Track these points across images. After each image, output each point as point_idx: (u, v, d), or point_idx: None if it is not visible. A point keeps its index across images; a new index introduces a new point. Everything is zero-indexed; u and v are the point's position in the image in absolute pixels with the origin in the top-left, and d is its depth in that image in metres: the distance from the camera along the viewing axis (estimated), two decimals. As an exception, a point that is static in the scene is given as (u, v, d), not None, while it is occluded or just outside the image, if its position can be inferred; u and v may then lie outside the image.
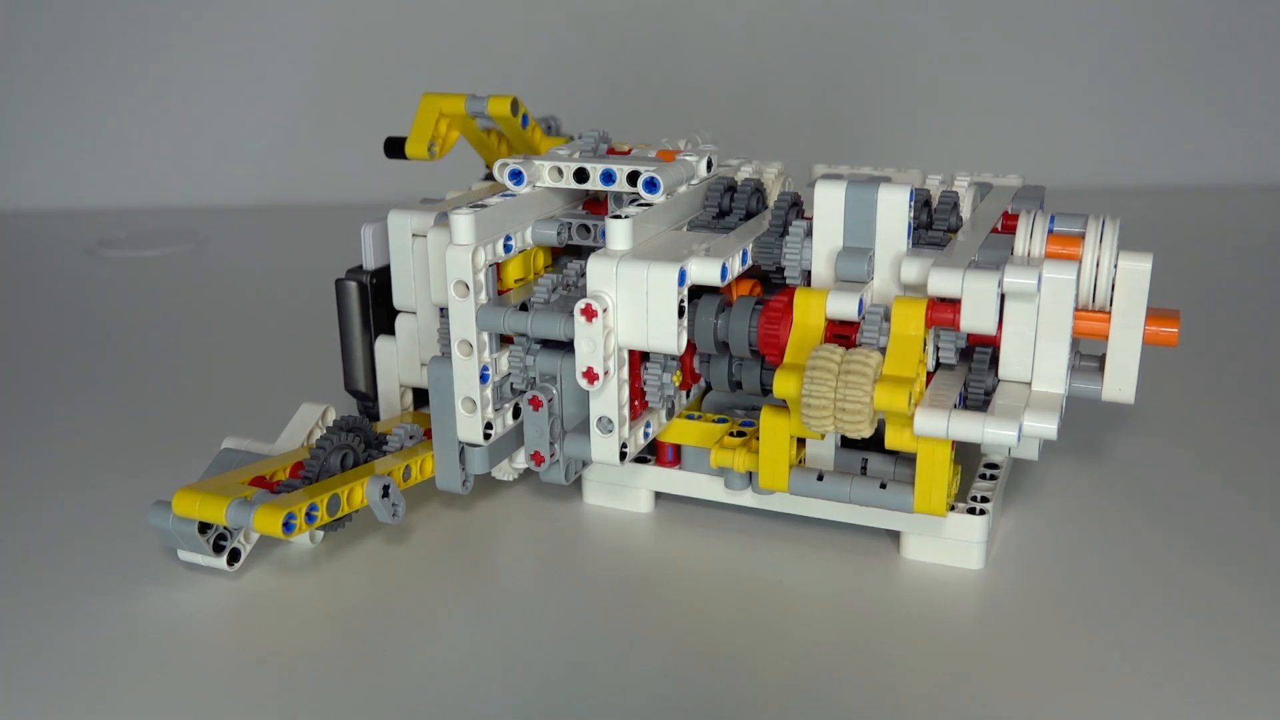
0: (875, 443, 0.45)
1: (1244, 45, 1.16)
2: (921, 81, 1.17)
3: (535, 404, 0.44)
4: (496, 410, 0.46)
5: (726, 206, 0.47)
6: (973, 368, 0.44)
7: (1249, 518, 0.50)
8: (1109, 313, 0.45)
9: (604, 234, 0.44)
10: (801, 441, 0.46)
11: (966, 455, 0.50)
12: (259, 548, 0.48)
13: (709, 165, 0.48)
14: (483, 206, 0.44)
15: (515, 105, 0.60)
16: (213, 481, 0.45)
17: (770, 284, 0.47)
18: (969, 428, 0.40)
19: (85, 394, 0.66)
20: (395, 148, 0.61)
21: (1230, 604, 0.43)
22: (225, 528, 0.45)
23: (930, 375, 0.44)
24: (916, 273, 0.42)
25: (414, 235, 0.51)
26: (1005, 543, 0.48)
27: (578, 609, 0.44)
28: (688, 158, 0.47)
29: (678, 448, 0.50)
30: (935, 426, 0.40)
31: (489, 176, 0.65)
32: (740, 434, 0.47)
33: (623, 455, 0.44)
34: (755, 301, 0.44)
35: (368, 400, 0.55)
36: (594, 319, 0.41)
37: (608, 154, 0.49)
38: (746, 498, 0.49)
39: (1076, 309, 0.44)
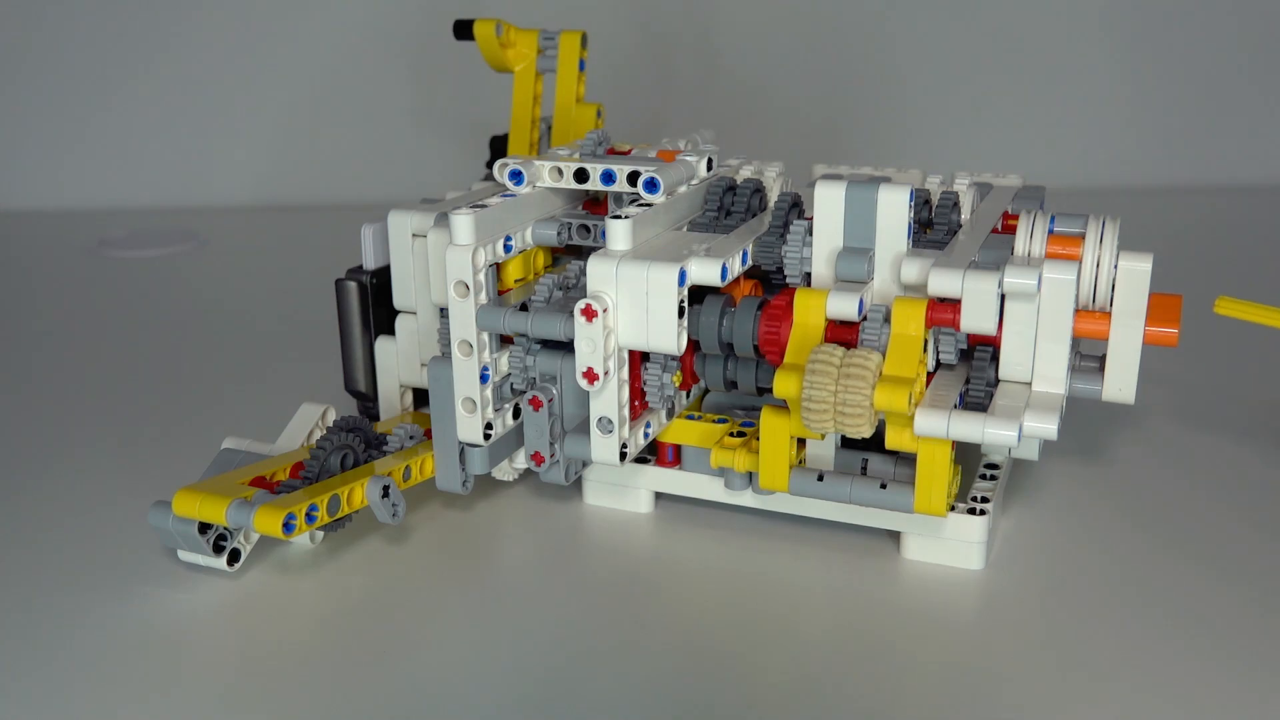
0: (875, 443, 0.45)
1: (1244, 45, 1.16)
2: (921, 81, 1.17)
3: (535, 404, 0.44)
4: (496, 410, 0.46)
5: (726, 206, 0.47)
6: (973, 368, 0.44)
7: (1248, 518, 0.50)
8: (1109, 313, 0.45)
9: (604, 234, 0.44)
10: (801, 442, 0.46)
11: (967, 455, 0.50)
12: (259, 548, 0.48)
13: (709, 165, 0.48)
14: (483, 207, 0.44)
15: (585, 39, 0.65)
16: (213, 482, 0.45)
17: (770, 284, 0.47)
18: (969, 428, 0.40)
19: (85, 394, 0.66)
20: (464, 29, 0.63)
21: (1230, 605, 0.43)
22: (225, 528, 0.45)
23: (930, 375, 0.44)
24: (917, 273, 0.42)
25: (414, 235, 0.51)
26: (1005, 543, 0.48)
27: (578, 609, 0.44)
28: (688, 158, 0.47)
29: (678, 448, 0.50)
30: (935, 427, 0.40)
31: (489, 177, 0.65)
32: (740, 434, 0.47)
33: (623, 455, 0.44)
34: (759, 302, 0.44)
35: (368, 400, 0.55)
36: (594, 319, 0.41)
37: (608, 154, 0.49)
38: (746, 498, 0.49)
39: (1076, 309, 0.44)
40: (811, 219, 0.44)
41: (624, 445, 0.44)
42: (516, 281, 0.46)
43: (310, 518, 0.43)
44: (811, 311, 0.42)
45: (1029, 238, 0.45)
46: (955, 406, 0.41)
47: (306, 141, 1.18)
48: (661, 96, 1.17)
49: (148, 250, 0.99)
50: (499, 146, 0.71)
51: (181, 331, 0.78)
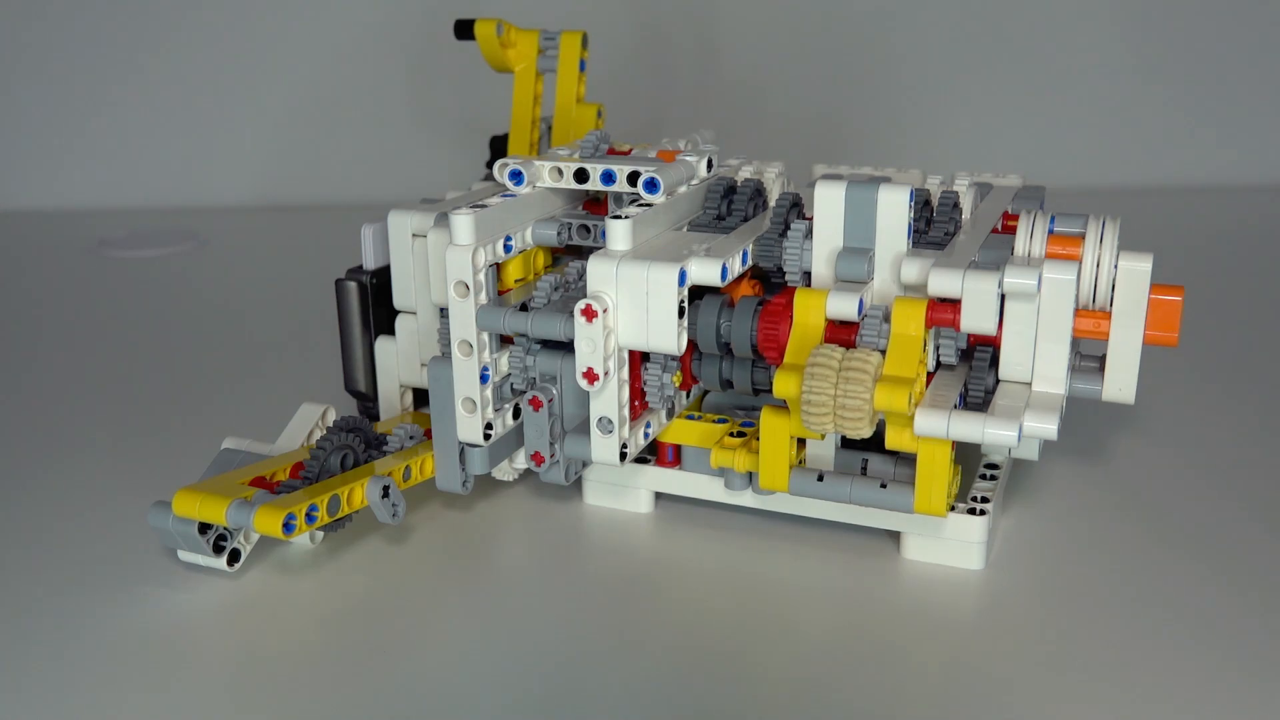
0: (875, 443, 0.45)
1: (1244, 45, 1.16)
2: (921, 81, 1.17)
3: (535, 404, 0.44)
4: (496, 410, 0.46)
5: (727, 207, 0.47)
6: (973, 368, 0.44)
7: (1248, 518, 0.50)
8: (1109, 313, 0.45)
9: (604, 234, 0.44)
10: (801, 442, 0.46)
11: (967, 455, 0.50)
12: (259, 548, 0.48)
13: (709, 165, 0.48)
14: (483, 207, 0.44)
15: (585, 39, 0.65)
16: (213, 482, 0.45)
17: (770, 284, 0.47)
18: (969, 428, 0.40)
19: (85, 394, 0.66)
20: (465, 29, 0.63)
21: (1229, 605, 0.43)
22: (225, 528, 0.45)
23: (930, 375, 0.44)
24: (916, 273, 0.42)
25: (414, 235, 0.51)
26: (1005, 543, 0.48)
27: (578, 609, 0.44)
28: (688, 158, 0.47)
29: (678, 448, 0.50)
30: (935, 427, 0.40)
31: (489, 177, 0.65)
32: (740, 434, 0.47)
33: (623, 455, 0.44)
34: (758, 302, 0.44)
35: (368, 400, 0.55)
36: (594, 319, 0.41)
37: (608, 154, 0.49)
38: (746, 498, 0.49)
39: (1076, 309, 0.44)
40: (811, 219, 0.44)
41: (624, 445, 0.44)
42: (516, 281, 0.46)
43: (310, 518, 0.43)
44: (811, 311, 0.42)
45: (1029, 238, 0.45)
46: (955, 406, 0.41)
47: (306, 141, 1.18)
48: (661, 96, 1.17)
49: (148, 250, 0.99)
50: (499, 146, 0.71)
51: (181, 331, 0.78)
